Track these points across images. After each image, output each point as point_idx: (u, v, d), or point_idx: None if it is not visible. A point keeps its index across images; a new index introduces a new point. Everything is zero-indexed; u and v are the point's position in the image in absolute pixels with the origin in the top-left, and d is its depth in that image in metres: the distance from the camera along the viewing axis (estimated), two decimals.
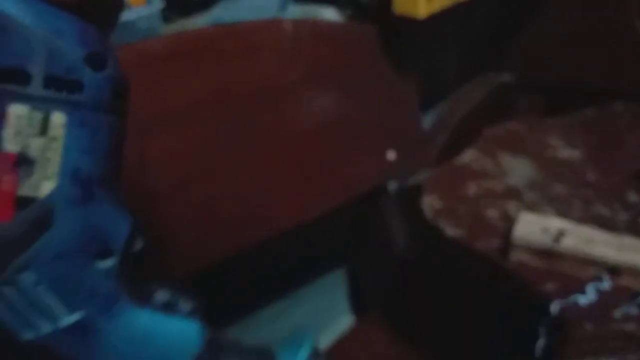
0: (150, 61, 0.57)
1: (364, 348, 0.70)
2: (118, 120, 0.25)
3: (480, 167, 0.64)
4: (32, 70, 0.22)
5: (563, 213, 0.55)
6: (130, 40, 0.58)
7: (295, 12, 0.74)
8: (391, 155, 0.78)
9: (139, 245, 0.26)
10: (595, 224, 0.53)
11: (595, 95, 0.86)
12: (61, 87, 0.22)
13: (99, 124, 0.24)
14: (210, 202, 0.61)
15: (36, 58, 0.22)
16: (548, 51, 1.00)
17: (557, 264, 0.49)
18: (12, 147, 0.22)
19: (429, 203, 0.58)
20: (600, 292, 0.48)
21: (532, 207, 0.58)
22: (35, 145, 0.22)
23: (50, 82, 0.22)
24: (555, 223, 0.50)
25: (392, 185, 0.78)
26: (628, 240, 0.51)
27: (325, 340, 0.74)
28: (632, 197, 0.59)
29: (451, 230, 0.54)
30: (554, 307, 0.46)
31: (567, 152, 0.66)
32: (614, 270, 0.48)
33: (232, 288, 0.65)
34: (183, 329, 0.26)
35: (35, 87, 0.22)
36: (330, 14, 0.75)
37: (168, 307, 0.27)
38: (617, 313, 0.46)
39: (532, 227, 0.50)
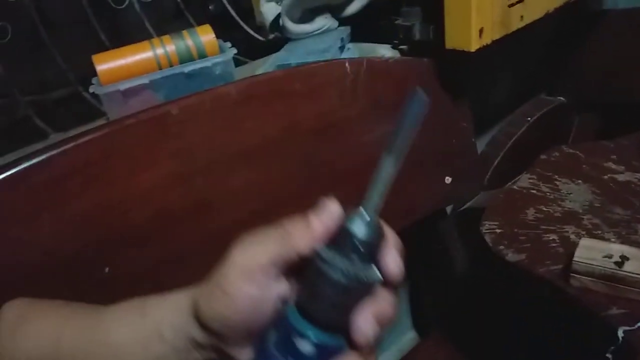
0: (228, 104, 0.64)
1: None
2: None
3: (538, 192, 0.66)
4: None
5: (624, 237, 0.56)
6: (208, 85, 0.65)
7: (353, 51, 0.80)
8: (448, 180, 0.81)
9: None
10: None
11: None
12: None
13: None
14: None
15: None
16: (602, 72, 1.00)
17: (621, 289, 0.50)
18: None
19: (489, 228, 0.61)
20: None
21: (592, 232, 0.59)
22: None
23: None
24: (617, 248, 0.52)
25: (450, 209, 0.81)
26: None
27: (389, 357, 0.77)
28: None
29: (512, 256, 0.57)
30: (621, 333, 0.47)
31: (626, 176, 0.67)
32: None
33: None
34: None
35: None
36: (385, 51, 0.80)
37: None
38: None
39: (594, 252, 0.52)
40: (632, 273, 0.49)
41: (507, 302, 0.58)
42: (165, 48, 0.68)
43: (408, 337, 0.83)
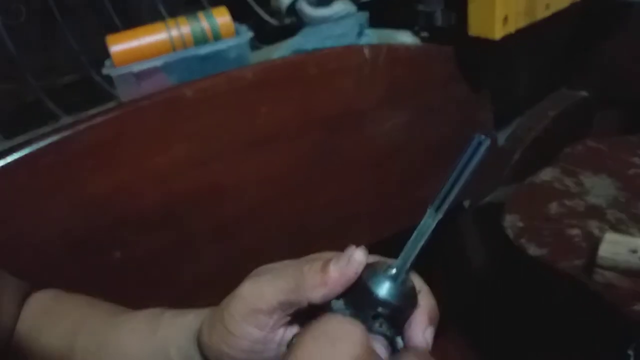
0: (243, 88, 0.62)
1: None
2: None
3: (561, 186, 0.64)
4: None
5: None
6: (222, 69, 0.64)
7: (372, 37, 0.78)
8: None
9: None
10: None
11: None
12: None
13: None
14: (297, 216, 0.65)
15: None
16: (626, 67, 0.97)
17: None
18: None
19: (511, 222, 0.59)
20: None
21: (616, 227, 0.57)
22: None
23: None
24: None
25: (468, 203, 0.79)
26: None
27: None
28: None
29: (534, 250, 0.55)
30: None
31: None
32: None
33: None
34: None
35: None
36: (405, 37, 0.78)
37: None
38: None
39: (618, 247, 0.50)
40: None
41: (526, 297, 0.56)
42: (180, 29, 0.67)
43: None
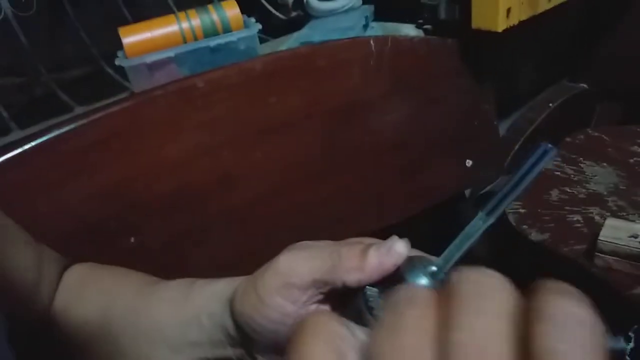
0: (252, 79, 0.64)
1: None
2: None
3: (562, 174, 0.66)
4: None
5: None
6: (232, 60, 0.65)
7: (377, 30, 0.79)
8: (469, 162, 0.81)
9: None
10: None
11: None
12: None
13: None
14: (306, 204, 0.67)
15: None
16: (627, 60, 0.98)
17: None
18: None
19: (513, 208, 0.61)
20: None
21: (617, 214, 0.59)
22: None
23: None
24: None
25: (469, 192, 0.81)
26: None
27: None
28: None
29: (535, 235, 0.57)
30: None
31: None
32: None
33: None
34: None
35: None
36: (409, 30, 0.80)
37: None
38: None
39: (619, 232, 0.51)
40: None
41: (528, 283, 0.58)
42: (190, 22, 0.68)
43: None
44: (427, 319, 0.18)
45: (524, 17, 0.73)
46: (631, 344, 0.47)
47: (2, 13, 0.73)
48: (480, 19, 0.71)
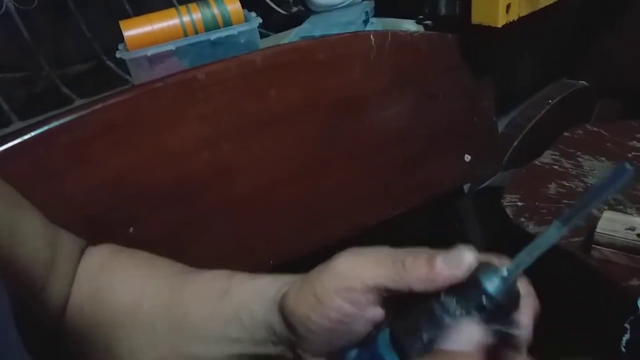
0: (253, 72, 0.64)
1: None
2: None
3: (560, 168, 0.66)
4: None
5: None
6: (232, 54, 0.66)
7: (377, 25, 0.80)
8: (467, 158, 0.81)
9: None
10: None
11: None
12: None
13: None
14: (305, 197, 0.67)
15: None
16: (627, 58, 0.99)
17: None
18: None
19: (511, 201, 0.61)
20: None
21: (614, 207, 0.59)
22: None
23: None
24: (639, 220, 0.52)
25: (468, 188, 0.81)
26: None
27: None
28: None
29: (533, 228, 0.57)
30: None
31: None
32: None
33: None
34: None
35: None
36: (409, 26, 0.80)
37: None
38: None
39: (616, 224, 0.52)
40: None
41: (525, 275, 0.58)
42: (191, 15, 0.69)
43: None
44: None
45: (523, 13, 0.73)
46: (627, 336, 0.47)
47: (4, 7, 0.73)
48: (480, 15, 0.72)
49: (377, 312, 0.28)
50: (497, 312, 0.26)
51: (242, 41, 0.71)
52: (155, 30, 0.67)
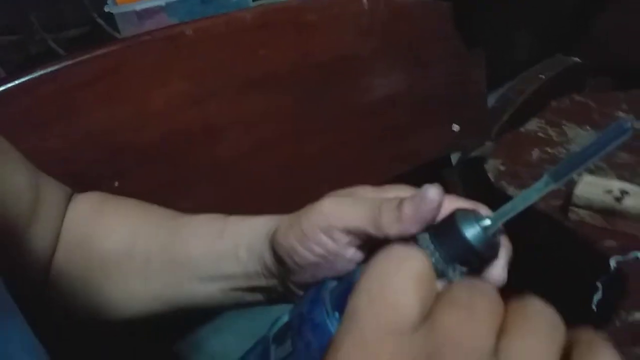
0: (242, 30, 0.64)
1: None
2: None
3: (544, 135, 0.66)
4: None
5: (627, 178, 0.57)
6: (223, 11, 0.65)
7: None
8: (455, 127, 0.81)
9: None
10: None
11: None
12: None
13: None
14: (291, 160, 0.67)
15: None
16: (622, 37, 0.98)
17: (618, 223, 0.51)
18: None
19: (493, 166, 0.61)
20: None
21: (595, 173, 0.59)
22: None
23: None
24: (618, 184, 0.52)
25: (455, 157, 0.82)
26: None
27: None
28: None
29: (513, 191, 0.58)
30: (613, 262, 0.48)
31: (636, 124, 0.66)
32: None
33: None
34: None
35: None
36: None
37: None
38: None
39: (594, 187, 0.52)
40: (631, 208, 0.50)
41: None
42: None
43: None
44: (496, 318, 0.19)
45: None
46: (599, 295, 0.48)
47: None
48: None
49: (357, 254, 0.29)
50: (473, 259, 0.25)
51: (233, 0, 0.70)
52: None
